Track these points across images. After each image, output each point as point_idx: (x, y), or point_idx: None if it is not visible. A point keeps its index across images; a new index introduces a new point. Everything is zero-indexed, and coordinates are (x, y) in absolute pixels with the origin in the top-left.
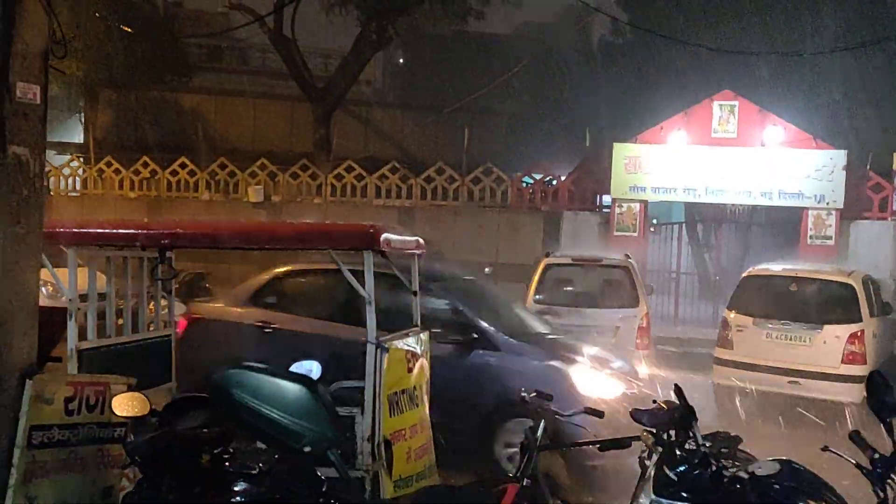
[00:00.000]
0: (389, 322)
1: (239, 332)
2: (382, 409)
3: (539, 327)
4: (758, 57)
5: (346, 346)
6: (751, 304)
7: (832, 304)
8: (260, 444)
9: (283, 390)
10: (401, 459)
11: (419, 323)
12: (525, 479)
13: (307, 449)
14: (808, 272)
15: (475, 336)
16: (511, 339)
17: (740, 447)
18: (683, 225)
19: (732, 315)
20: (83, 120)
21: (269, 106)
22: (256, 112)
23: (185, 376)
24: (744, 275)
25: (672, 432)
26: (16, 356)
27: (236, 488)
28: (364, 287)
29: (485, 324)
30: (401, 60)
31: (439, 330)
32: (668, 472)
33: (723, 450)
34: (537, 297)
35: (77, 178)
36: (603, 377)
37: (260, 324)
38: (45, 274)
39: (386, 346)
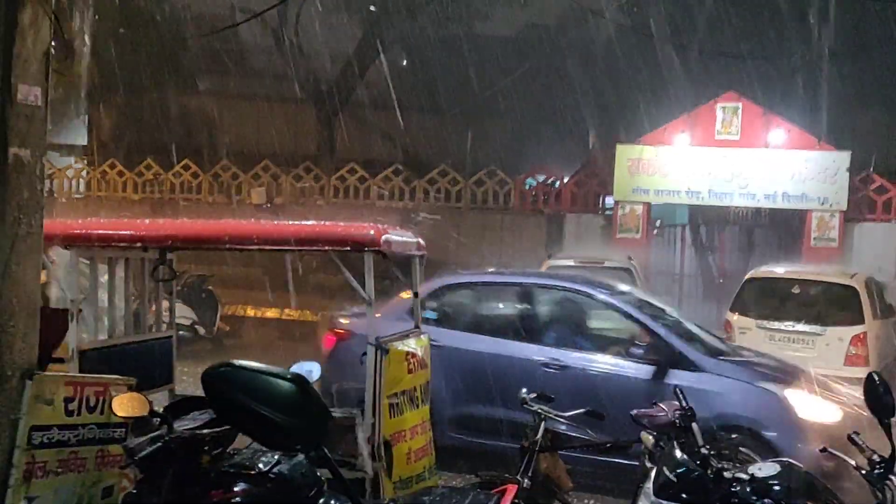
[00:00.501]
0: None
1: None
2: (383, 410)
3: (715, 342)
4: (761, 59)
5: (524, 366)
6: (754, 306)
7: (835, 306)
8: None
9: (273, 387)
10: (401, 460)
11: (419, 324)
12: (525, 480)
13: (298, 446)
14: (812, 274)
15: (670, 355)
16: (712, 358)
17: (741, 449)
18: (686, 227)
19: (735, 317)
20: (87, 122)
21: (273, 108)
22: (260, 114)
23: (339, 399)
24: (746, 276)
25: (672, 434)
26: (17, 356)
27: (236, 489)
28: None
29: (681, 341)
30: (404, 63)
31: (628, 348)
32: (668, 473)
33: (723, 451)
34: None
35: (81, 179)
36: (821, 400)
37: None
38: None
39: (386, 347)
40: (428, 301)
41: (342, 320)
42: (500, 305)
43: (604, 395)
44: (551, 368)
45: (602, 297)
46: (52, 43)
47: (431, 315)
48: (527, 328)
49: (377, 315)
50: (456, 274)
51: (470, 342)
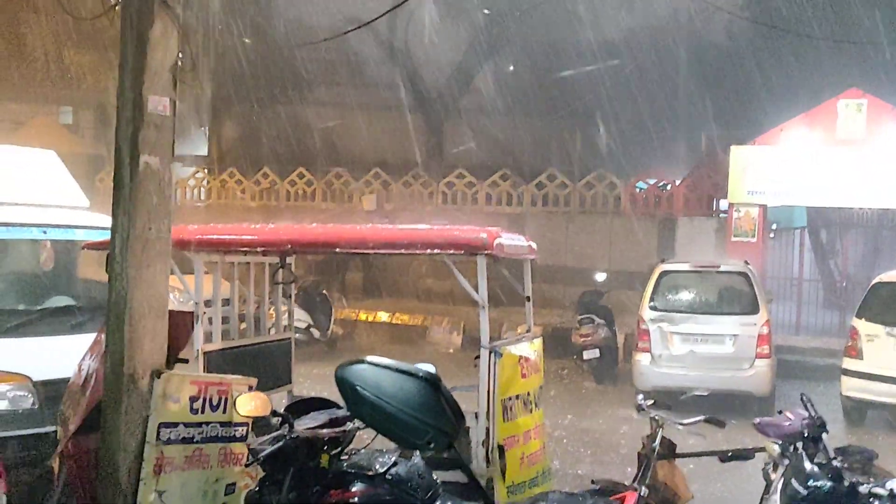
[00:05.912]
0: None
1: None
2: (496, 414)
3: None
4: (887, 49)
5: None
6: (883, 312)
7: None
8: (381, 445)
9: (405, 385)
10: (514, 465)
11: (531, 328)
12: (643, 488)
13: (430, 445)
14: None
15: None
16: None
17: (875, 463)
18: (805, 230)
19: (862, 323)
20: (208, 133)
21: (383, 116)
22: (370, 123)
23: None
24: (874, 281)
25: (799, 444)
26: (146, 356)
27: (354, 489)
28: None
29: None
30: (511, 68)
31: None
32: (797, 486)
33: (855, 465)
34: (652, 304)
35: (202, 188)
36: None
37: None
38: (173, 280)
39: (499, 351)
40: None
41: None
42: None
43: None
44: None
45: None
46: (179, 55)
47: None
48: None
49: None
50: None
51: None
